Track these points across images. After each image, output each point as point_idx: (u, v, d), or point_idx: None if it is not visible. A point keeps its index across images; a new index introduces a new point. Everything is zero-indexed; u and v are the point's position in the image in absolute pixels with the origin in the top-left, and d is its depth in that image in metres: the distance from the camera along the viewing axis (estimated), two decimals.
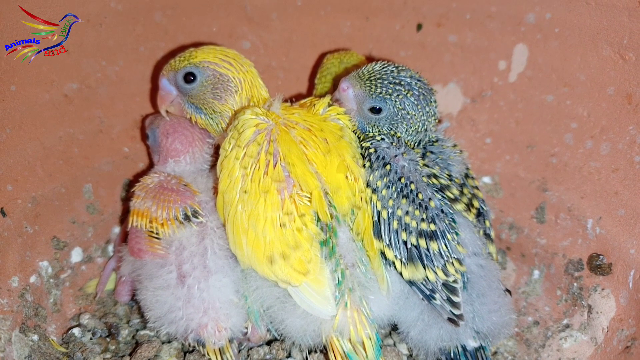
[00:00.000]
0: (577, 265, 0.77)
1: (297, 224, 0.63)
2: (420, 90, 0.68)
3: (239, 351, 0.71)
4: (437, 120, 0.72)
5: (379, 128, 0.70)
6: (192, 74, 0.72)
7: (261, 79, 0.75)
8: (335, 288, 0.64)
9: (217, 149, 0.77)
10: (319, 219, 0.64)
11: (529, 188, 0.84)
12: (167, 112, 0.76)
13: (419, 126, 0.69)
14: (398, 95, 0.68)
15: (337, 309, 0.64)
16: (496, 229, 0.87)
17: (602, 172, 0.76)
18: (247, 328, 0.70)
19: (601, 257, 0.74)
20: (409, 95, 0.68)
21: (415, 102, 0.68)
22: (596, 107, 0.76)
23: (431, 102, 0.69)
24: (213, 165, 0.76)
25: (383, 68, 0.69)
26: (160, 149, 0.76)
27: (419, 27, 0.86)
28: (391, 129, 0.70)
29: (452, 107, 0.89)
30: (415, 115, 0.68)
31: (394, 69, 0.69)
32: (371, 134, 0.70)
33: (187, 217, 0.68)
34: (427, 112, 0.69)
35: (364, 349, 0.65)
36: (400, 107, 0.68)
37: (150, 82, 0.85)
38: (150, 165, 0.83)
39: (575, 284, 0.76)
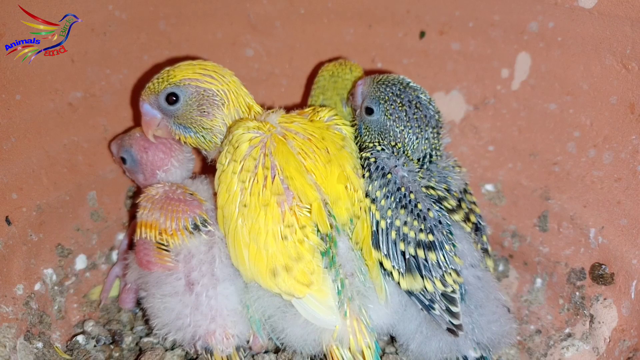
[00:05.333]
0: (580, 274, 0.77)
1: (298, 236, 0.63)
2: (417, 110, 0.69)
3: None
4: (437, 148, 0.72)
5: (370, 132, 0.71)
6: (173, 94, 0.69)
7: (244, 87, 0.73)
8: (337, 297, 0.64)
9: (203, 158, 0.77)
10: (318, 230, 0.64)
11: (531, 196, 0.84)
12: (126, 150, 0.74)
13: (407, 143, 0.70)
14: (392, 104, 0.69)
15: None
16: (498, 237, 0.87)
17: (604, 181, 0.76)
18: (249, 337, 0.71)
19: (603, 266, 0.74)
20: (400, 109, 0.69)
21: (406, 119, 0.69)
22: (599, 116, 0.76)
23: (427, 126, 0.70)
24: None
25: (398, 79, 0.71)
26: (143, 167, 0.75)
27: (422, 34, 0.86)
28: (380, 135, 0.71)
29: (454, 114, 0.89)
30: (403, 130, 0.69)
31: (405, 84, 0.70)
32: (371, 144, 0.71)
33: (196, 227, 0.68)
34: (418, 133, 0.70)
35: (364, 358, 0.65)
36: (389, 116, 0.69)
37: None
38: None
39: (577, 293, 0.76)
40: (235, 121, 0.70)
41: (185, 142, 0.72)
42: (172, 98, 0.69)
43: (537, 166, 0.83)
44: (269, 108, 0.72)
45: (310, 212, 0.64)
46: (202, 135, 0.70)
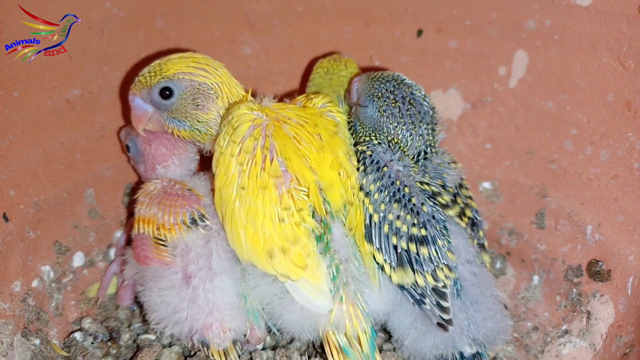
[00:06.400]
0: (577, 271, 0.77)
1: (295, 219, 0.63)
2: (411, 106, 0.70)
3: (239, 356, 0.71)
4: (432, 145, 0.72)
5: (365, 129, 0.72)
6: (168, 88, 0.68)
7: (234, 77, 0.72)
8: (331, 283, 0.64)
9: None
10: (314, 214, 0.65)
11: (528, 194, 0.84)
12: (130, 139, 0.74)
13: (401, 139, 0.70)
14: (385, 101, 0.70)
15: (333, 304, 0.64)
16: (496, 234, 0.87)
17: (601, 178, 0.76)
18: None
19: (600, 263, 0.74)
20: (394, 105, 0.69)
21: (399, 115, 0.70)
22: (596, 114, 0.76)
23: (421, 123, 0.70)
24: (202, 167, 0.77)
25: (392, 76, 0.72)
26: (145, 158, 0.76)
27: (420, 33, 0.87)
28: (375, 131, 0.71)
29: (452, 112, 0.89)
30: (397, 126, 0.70)
31: (399, 80, 0.71)
32: (367, 138, 0.71)
33: (194, 221, 0.69)
34: (412, 129, 0.70)
35: (360, 343, 0.65)
36: (383, 113, 0.70)
37: None
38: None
39: (574, 290, 0.76)
40: (234, 102, 0.70)
41: (178, 136, 0.71)
42: (165, 92, 0.69)
43: (534, 164, 0.83)
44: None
45: (307, 195, 0.64)
46: (197, 129, 0.70)
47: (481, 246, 0.70)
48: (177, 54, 0.71)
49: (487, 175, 0.88)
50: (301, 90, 0.90)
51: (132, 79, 0.84)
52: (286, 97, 0.74)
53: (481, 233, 0.71)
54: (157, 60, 0.71)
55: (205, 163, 0.77)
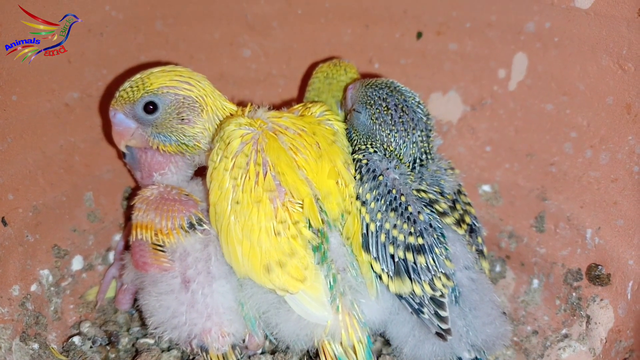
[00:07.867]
0: (576, 275, 0.77)
1: (291, 232, 0.63)
2: (404, 114, 0.69)
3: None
4: (427, 152, 0.71)
5: (360, 136, 0.72)
6: (152, 103, 0.68)
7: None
8: (329, 293, 0.64)
9: None
10: (310, 225, 0.65)
11: (528, 197, 0.84)
12: (126, 146, 0.72)
13: (394, 147, 0.70)
14: (377, 108, 0.70)
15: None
16: (495, 238, 0.87)
17: (601, 181, 0.76)
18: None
19: (600, 267, 0.74)
20: (386, 113, 0.69)
21: (391, 123, 0.69)
22: (595, 117, 0.76)
23: (414, 130, 0.70)
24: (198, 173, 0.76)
25: (386, 83, 0.72)
26: (141, 166, 0.75)
27: (419, 35, 0.86)
28: (368, 139, 0.71)
29: (452, 114, 0.89)
30: (389, 134, 0.70)
31: (393, 88, 0.71)
32: (363, 146, 0.71)
33: (192, 226, 0.68)
34: (405, 136, 0.70)
35: (355, 352, 0.65)
36: (375, 120, 0.70)
37: None
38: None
39: (574, 294, 0.76)
40: (226, 117, 0.70)
41: (164, 150, 0.71)
42: (150, 107, 0.68)
43: (534, 167, 0.83)
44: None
45: (302, 208, 0.64)
46: (184, 143, 0.70)
47: (480, 252, 0.70)
48: (159, 68, 0.70)
49: (486, 178, 0.88)
50: (300, 93, 0.90)
51: None
52: (283, 106, 0.74)
53: (480, 239, 0.70)
54: (137, 75, 0.70)
55: (201, 169, 0.77)
